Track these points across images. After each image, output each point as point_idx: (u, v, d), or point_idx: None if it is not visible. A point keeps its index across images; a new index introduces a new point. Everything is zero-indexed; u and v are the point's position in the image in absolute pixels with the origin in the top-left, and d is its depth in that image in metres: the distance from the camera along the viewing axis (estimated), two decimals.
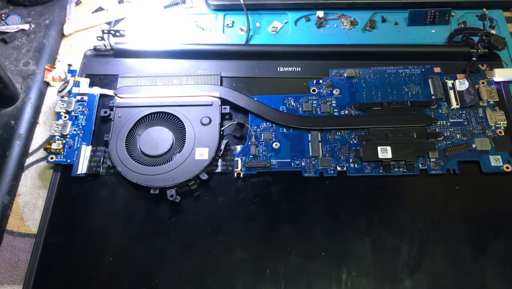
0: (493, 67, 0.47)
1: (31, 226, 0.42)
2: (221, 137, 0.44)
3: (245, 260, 0.39)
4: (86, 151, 0.44)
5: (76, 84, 0.47)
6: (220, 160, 0.43)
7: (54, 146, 0.43)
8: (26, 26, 0.52)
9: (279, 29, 0.53)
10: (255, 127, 0.44)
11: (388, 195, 0.41)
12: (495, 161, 0.42)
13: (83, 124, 0.45)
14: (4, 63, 0.50)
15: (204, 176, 0.41)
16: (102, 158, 0.44)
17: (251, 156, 0.43)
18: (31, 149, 0.46)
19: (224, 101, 0.46)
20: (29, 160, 0.46)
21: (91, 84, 0.48)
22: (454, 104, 0.45)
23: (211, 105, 0.45)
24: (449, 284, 0.37)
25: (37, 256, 0.39)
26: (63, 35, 0.54)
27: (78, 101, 0.46)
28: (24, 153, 0.46)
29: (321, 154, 0.43)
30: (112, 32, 0.49)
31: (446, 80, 0.46)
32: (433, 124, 0.44)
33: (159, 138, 0.44)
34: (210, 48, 0.50)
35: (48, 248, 0.40)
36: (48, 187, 0.43)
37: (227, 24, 0.53)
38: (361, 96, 0.46)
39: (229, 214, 0.41)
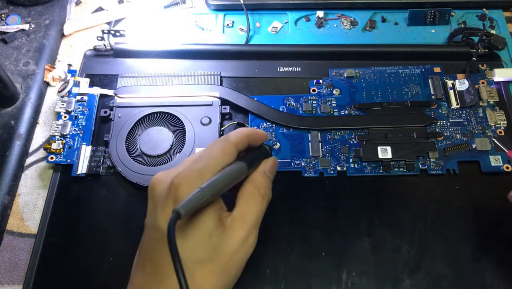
0: (493, 67, 0.47)
1: (31, 226, 0.42)
2: None
3: None
4: (86, 151, 0.44)
5: (76, 84, 0.47)
6: None
7: (54, 146, 0.43)
8: (26, 26, 0.52)
9: (279, 29, 0.53)
10: (255, 127, 0.44)
11: (388, 195, 0.41)
12: (495, 161, 0.42)
13: (83, 124, 0.45)
14: (4, 63, 0.50)
15: None
16: (102, 158, 0.44)
17: None
18: (31, 148, 0.46)
19: (224, 101, 0.46)
20: (29, 160, 0.46)
21: (91, 84, 0.48)
22: (454, 104, 0.45)
23: (211, 105, 0.45)
24: (449, 284, 0.37)
25: (37, 256, 0.39)
26: (63, 35, 0.54)
27: (78, 101, 0.46)
28: (24, 153, 0.46)
29: (321, 154, 0.43)
30: (112, 32, 0.49)
31: (446, 80, 0.46)
32: (433, 124, 0.44)
33: (159, 138, 0.44)
34: (210, 48, 0.50)
35: (48, 248, 0.40)
36: (48, 187, 0.43)
37: (227, 24, 0.53)
38: (361, 96, 0.46)
39: None
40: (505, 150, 0.36)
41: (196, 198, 0.25)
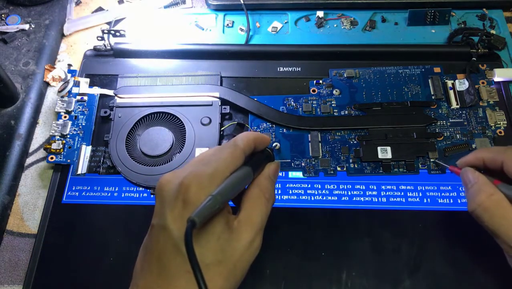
0: (493, 67, 0.47)
1: (31, 226, 0.42)
2: (221, 137, 0.44)
3: None
4: (86, 151, 0.44)
5: (76, 84, 0.47)
6: None
7: (54, 146, 0.43)
8: (26, 26, 0.52)
9: (279, 29, 0.53)
10: (255, 127, 0.44)
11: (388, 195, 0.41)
12: None
13: (83, 124, 0.45)
14: (4, 63, 0.50)
15: None
16: (102, 158, 0.44)
17: None
18: (31, 149, 0.46)
19: (224, 101, 0.46)
20: (29, 160, 0.46)
21: (91, 84, 0.48)
22: (454, 104, 0.45)
23: (211, 105, 0.45)
24: (449, 284, 0.37)
25: (37, 256, 0.39)
26: (63, 35, 0.54)
27: (78, 101, 0.46)
28: (24, 153, 0.46)
29: (321, 154, 0.43)
30: (112, 32, 0.49)
31: (446, 80, 0.46)
32: (433, 124, 0.44)
33: (159, 138, 0.44)
34: (210, 48, 0.50)
35: (48, 248, 0.40)
36: (48, 187, 0.43)
37: (227, 24, 0.53)
38: (361, 96, 0.46)
39: None
40: (447, 166, 0.37)
41: (210, 205, 0.26)
